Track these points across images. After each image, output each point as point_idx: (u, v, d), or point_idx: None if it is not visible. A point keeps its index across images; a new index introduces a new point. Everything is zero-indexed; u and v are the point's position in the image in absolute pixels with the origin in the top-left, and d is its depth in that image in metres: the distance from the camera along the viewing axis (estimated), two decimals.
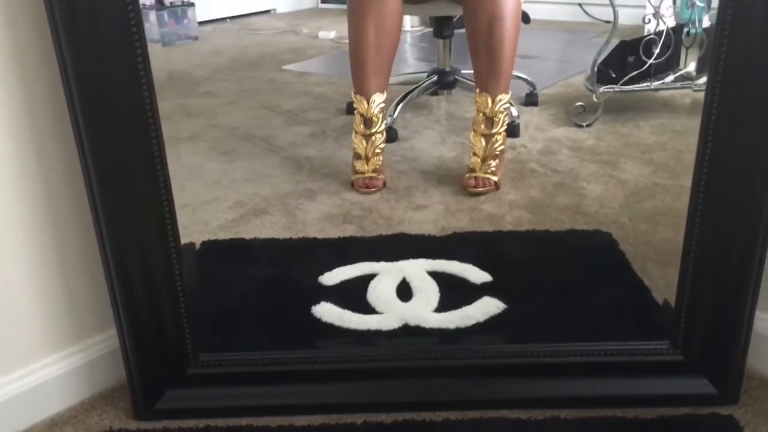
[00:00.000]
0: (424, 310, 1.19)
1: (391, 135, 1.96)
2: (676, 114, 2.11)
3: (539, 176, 1.72)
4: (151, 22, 3.09)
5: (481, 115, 1.66)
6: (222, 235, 1.47)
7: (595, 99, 2.03)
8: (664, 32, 1.96)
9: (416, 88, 2.15)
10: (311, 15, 4.07)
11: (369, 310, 1.19)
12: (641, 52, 1.98)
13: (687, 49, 2.02)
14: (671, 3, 2.10)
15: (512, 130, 1.93)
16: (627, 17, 2.21)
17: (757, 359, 1.03)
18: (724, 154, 0.88)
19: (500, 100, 1.65)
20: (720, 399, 0.98)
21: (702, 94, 0.88)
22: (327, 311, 1.18)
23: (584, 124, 2.02)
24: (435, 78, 2.20)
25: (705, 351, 0.98)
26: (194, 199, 1.62)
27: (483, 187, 1.64)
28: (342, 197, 1.64)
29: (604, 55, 2.02)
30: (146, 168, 0.87)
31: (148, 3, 3.15)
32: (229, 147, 1.96)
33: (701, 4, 1.96)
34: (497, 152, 1.67)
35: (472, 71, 1.78)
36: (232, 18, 3.73)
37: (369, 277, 1.28)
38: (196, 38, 3.31)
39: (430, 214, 1.56)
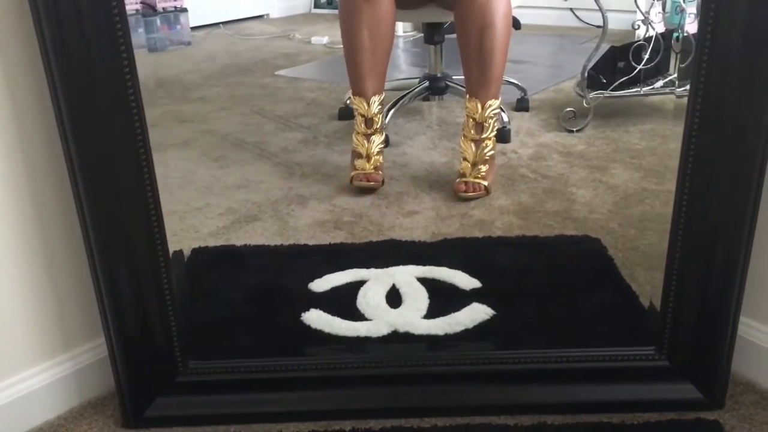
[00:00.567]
0: (413, 316, 1.19)
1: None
2: (666, 119, 2.12)
3: (529, 182, 1.73)
4: (138, 29, 3.09)
5: (471, 120, 1.67)
6: (213, 242, 1.48)
7: (585, 104, 2.04)
8: (654, 38, 1.97)
9: (408, 93, 2.15)
10: (304, 20, 4.08)
11: (358, 316, 1.20)
12: (631, 58, 1.99)
13: (677, 54, 2.03)
14: (660, 9, 2.12)
15: (503, 136, 1.94)
16: (617, 22, 2.23)
17: (743, 364, 1.03)
18: (707, 160, 0.89)
19: (490, 106, 1.66)
20: (706, 404, 0.99)
21: (685, 100, 0.89)
22: (317, 318, 1.19)
23: (575, 130, 2.03)
24: (426, 84, 2.21)
25: (690, 356, 0.99)
26: (185, 206, 1.63)
27: (473, 192, 1.65)
28: (333, 203, 1.65)
29: (594, 61, 2.04)
30: (134, 177, 0.87)
31: (138, 9, 3.15)
32: (221, 153, 1.96)
33: (691, 10, 1.97)
34: (487, 157, 1.68)
35: (463, 77, 1.79)
36: (225, 23, 3.74)
37: (359, 284, 1.29)
38: (188, 44, 3.31)
39: (421, 220, 1.56)
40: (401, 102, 2.10)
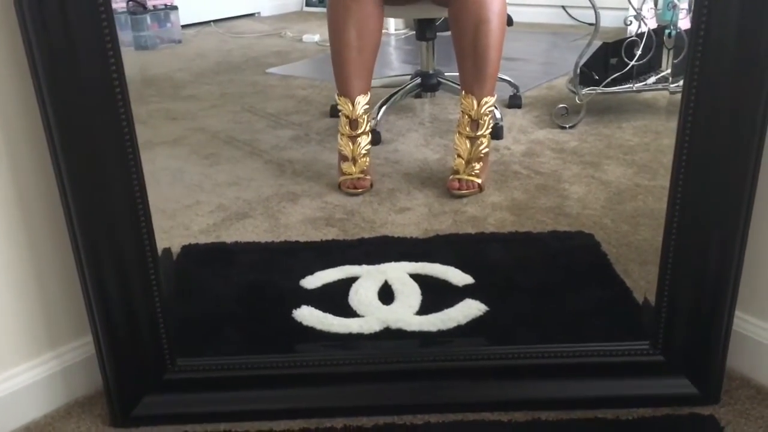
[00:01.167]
0: (405, 313, 1.18)
1: (375, 137, 1.95)
2: (658, 115, 2.11)
3: (522, 178, 1.72)
4: (127, 27, 3.07)
5: (467, 117, 1.66)
6: (203, 240, 1.46)
7: (577, 101, 2.04)
8: (646, 34, 1.96)
9: (400, 90, 2.14)
10: (295, 18, 4.06)
11: (350, 313, 1.19)
12: (623, 54, 1.99)
13: (669, 50, 2.03)
14: (653, 5, 2.11)
15: (496, 132, 1.92)
16: (609, 19, 2.23)
17: (738, 359, 1.03)
18: (701, 155, 0.88)
19: (486, 103, 1.65)
20: (701, 399, 0.98)
21: (679, 96, 0.88)
22: (308, 315, 1.17)
23: (567, 126, 2.03)
24: (418, 80, 2.20)
25: (685, 351, 0.98)
26: (175, 204, 1.61)
27: (467, 189, 1.64)
28: (325, 200, 1.63)
29: (586, 57, 2.03)
30: (121, 175, 0.86)
31: (125, 7, 3.12)
32: (212, 150, 1.95)
33: (683, 6, 1.97)
34: (482, 155, 1.67)
35: (455, 73, 1.77)
36: (216, 21, 3.71)
37: (351, 281, 1.27)
38: (179, 42, 3.29)
39: (413, 216, 1.55)
40: (393, 99, 2.09)
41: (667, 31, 2.04)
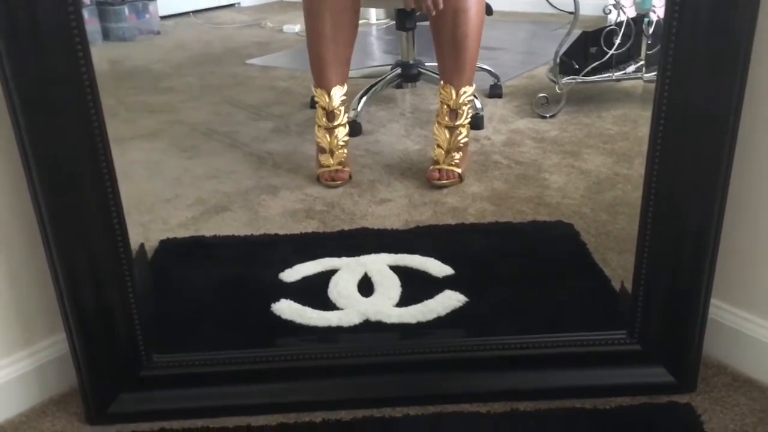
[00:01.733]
0: (385, 305, 1.18)
1: (355, 129, 1.95)
2: (638, 104, 2.12)
3: (502, 168, 1.72)
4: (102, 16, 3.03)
5: (446, 107, 1.66)
6: (182, 234, 1.45)
7: (558, 90, 2.04)
8: (625, 23, 1.96)
9: (380, 81, 2.13)
10: (276, 8, 4.03)
11: (330, 306, 1.18)
12: (602, 43, 1.99)
13: (646, 39, 2.03)
14: None
15: (476, 122, 1.92)
16: (589, 8, 2.22)
17: (714, 347, 1.03)
18: (675, 143, 0.88)
19: (464, 93, 1.65)
20: (678, 387, 0.99)
21: (653, 85, 0.88)
22: (287, 308, 1.17)
23: (548, 115, 2.03)
24: (399, 71, 2.19)
25: (662, 340, 0.98)
26: (153, 197, 1.59)
27: (447, 179, 1.63)
28: (305, 192, 1.62)
29: (566, 46, 2.03)
30: (91, 170, 0.84)
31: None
32: (191, 143, 1.93)
33: None
34: (461, 144, 1.66)
35: (436, 63, 1.77)
36: (195, 12, 3.68)
37: (330, 273, 1.27)
38: (158, 33, 3.26)
39: (393, 207, 1.55)
40: (373, 89, 2.08)
41: (646, 20, 2.04)
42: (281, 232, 1.44)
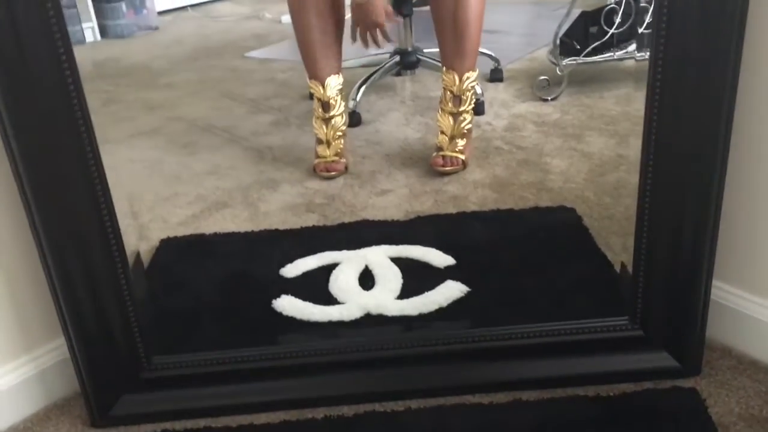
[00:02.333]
0: (386, 297, 1.17)
1: (355, 119, 1.94)
2: (640, 83, 2.09)
3: (504, 154, 1.71)
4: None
5: (449, 93, 1.64)
6: (182, 232, 1.44)
7: (558, 72, 2.01)
8: (624, 1, 1.93)
9: (378, 69, 2.12)
10: None
11: (331, 300, 1.18)
12: (603, 22, 1.96)
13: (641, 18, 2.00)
14: None
15: (477, 108, 1.89)
16: None
17: (718, 329, 1.02)
18: (671, 121, 0.86)
19: (467, 78, 1.63)
20: (682, 371, 0.98)
21: (645, 64, 0.87)
22: (288, 305, 1.16)
23: (549, 98, 2.00)
24: (397, 58, 2.18)
25: (664, 324, 0.97)
26: (153, 196, 1.59)
27: (451, 166, 1.62)
28: (305, 186, 1.62)
29: (565, 27, 2.00)
30: (81, 175, 0.84)
31: None
32: (190, 139, 1.92)
33: None
34: (465, 131, 1.65)
35: (434, 50, 1.75)
36: (192, 6, 3.66)
37: (331, 267, 1.26)
38: (156, 28, 3.25)
39: (394, 198, 1.54)
40: (372, 78, 2.07)
41: None
42: (282, 227, 1.44)
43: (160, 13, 3.33)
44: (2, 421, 0.97)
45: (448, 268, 1.24)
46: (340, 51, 1.67)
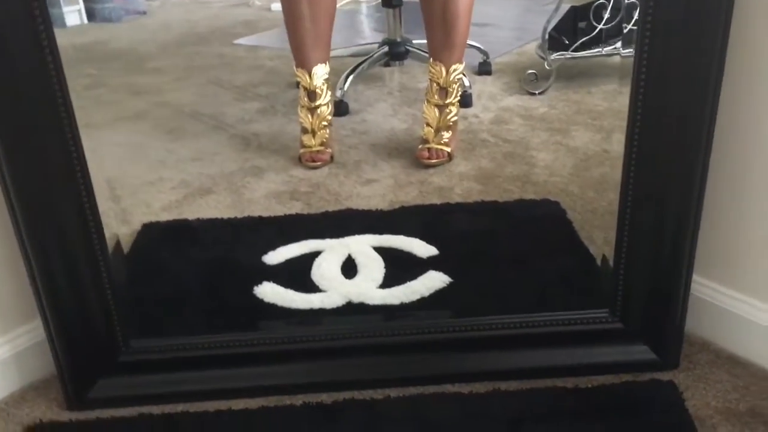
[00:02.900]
0: (368, 286, 1.17)
1: (342, 108, 1.93)
2: (628, 79, 2.09)
3: (490, 146, 1.70)
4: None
5: (435, 85, 1.64)
6: (165, 217, 1.43)
7: (546, 66, 2.01)
8: None
9: (367, 59, 2.11)
10: None
11: (313, 288, 1.17)
12: (592, 18, 1.96)
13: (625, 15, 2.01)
14: None
15: (464, 100, 1.90)
16: None
17: (697, 324, 1.03)
18: (655, 117, 0.87)
19: (455, 70, 1.62)
20: (661, 365, 0.99)
21: (631, 60, 0.87)
22: (270, 291, 1.16)
23: (537, 92, 2.01)
24: (386, 49, 2.17)
25: (644, 317, 0.98)
26: (137, 180, 1.58)
27: (436, 158, 1.62)
28: (290, 174, 1.61)
29: (554, 21, 2.00)
30: (60, 155, 0.83)
31: None
32: (175, 125, 1.91)
33: None
34: (451, 123, 1.65)
35: (423, 41, 1.74)
36: None
37: (314, 255, 1.26)
38: (144, 13, 3.22)
39: (379, 188, 1.53)
40: (360, 68, 2.06)
41: None
42: (265, 214, 1.43)
43: None
44: None
45: (431, 258, 1.24)
46: (329, 40, 1.66)
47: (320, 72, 1.63)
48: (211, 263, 1.26)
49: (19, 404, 0.97)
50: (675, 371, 0.99)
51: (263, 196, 1.51)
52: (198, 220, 1.41)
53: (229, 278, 1.21)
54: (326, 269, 1.21)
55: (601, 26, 1.97)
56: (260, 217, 1.42)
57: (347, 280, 1.19)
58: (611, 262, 0.99)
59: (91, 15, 3.05)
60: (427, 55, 1.77)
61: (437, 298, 1.14)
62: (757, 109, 0.90)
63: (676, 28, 0.81)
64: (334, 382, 0.97)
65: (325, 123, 1.65)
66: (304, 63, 1.63)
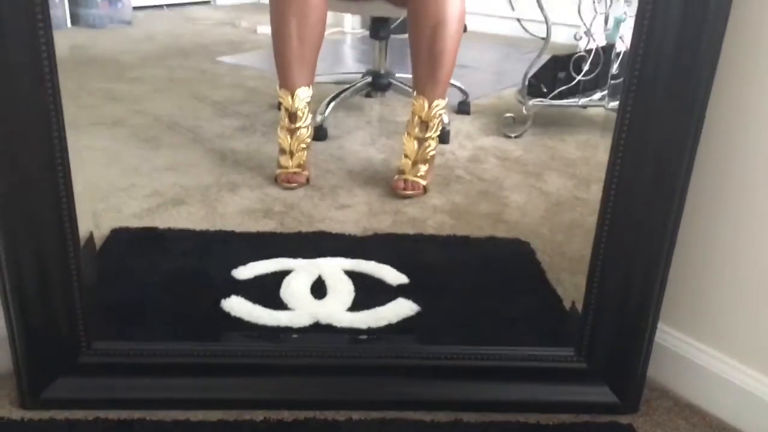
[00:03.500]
0: (337, 308, 1.17)
1: (321, 133, 1.94)
2: (601, 131, 2.16)
3: (465, 183, 1.73)
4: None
5: (417, 118, 1.66)
6: (135, 224, 1.42)
7: (524, 111, 2.06)
8: (594, 50, 2.00)
9: (349, 88, 2.13)
10: (252, 9, 4.01)
11: (281, 306, 1.17)
12: (571, 68, 2.02)
13: (612, 69, 2.07)
14: (603, 22, 2.15)
15: (442, 137, 1.92)
16: (562, 36, 2.26)
17: (659, 370, 1.05)
18: (631, 171, 0.89)
19: (437, 105, 1.65)
20: (621, 408, 1.00)
21: (614, 113, 0.90)
22: (237, 305, 1.15)
23: (513, 135, 2.05)
24: (369, 79, 2.19)
25: (608, 360, 0.99)
26: (109, 186, 1.56)
27: (412, 190, 1.63)
28: (264, 192, 1.61)
29: (535, 69, 2.06)
30: (44, 156, 0.82)
31: None
32: (153, 134, 1.90)
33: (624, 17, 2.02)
34: (428, 156, 1.67)
35: (406, 75, 1.77)
36: (169, 6, 3.64)
37: (284, 273, 1.25)
38: (129, 23, 3.21)
39: (353, 214, 1.54)
40: (342, 96, 2.08)
41: (614, 51, 2.08)
42: (237, 229, 1.42)
43: (136, 8, 3.31)
44: None
45: (400, 286, 1.25)
46: (315, 64, 1.68)
47: (303, 94, 1.64)
48: (179, 273, 1.24)
49: None
50: (634, 415, 1.00)
51: (237, 211, 1.51)
52: (169, 229, 1.40)
53: (197, 289, 1.20)
54: (296, 288, 1.21)
55: (579, 77, 2.02)
56: (232, 232, 1.41)
57: (316, 300, 1.19)
58: (579, 304, 1.01)
59: (75, 19, 3.03)
60: (408, 88, 1.81)
61: (405, 325, 1.14)
62: (729, 167, 0.94)
63: (659, 88, 0.84)
64: (296, 400, 0.96)
65: (303, 145, 1.66)
66: (287, 84, 1.64)
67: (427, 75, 1.65)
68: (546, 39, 2.01)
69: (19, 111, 0.80)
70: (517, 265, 1.37)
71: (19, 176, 0.83)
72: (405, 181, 1.64)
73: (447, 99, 1.68)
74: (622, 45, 2.01)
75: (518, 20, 3.60)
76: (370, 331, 1.12)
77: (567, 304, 1.20)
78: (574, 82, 2.03)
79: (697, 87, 0.84)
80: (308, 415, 0.95)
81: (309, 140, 1.68)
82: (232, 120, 2.06)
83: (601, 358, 0.99)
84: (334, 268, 1.28)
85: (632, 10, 1.85)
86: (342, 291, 1.21)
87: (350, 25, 3.49)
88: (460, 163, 1.85)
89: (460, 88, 2.29)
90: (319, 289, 1.22)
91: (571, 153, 1.95)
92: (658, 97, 0.85)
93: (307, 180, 1.65)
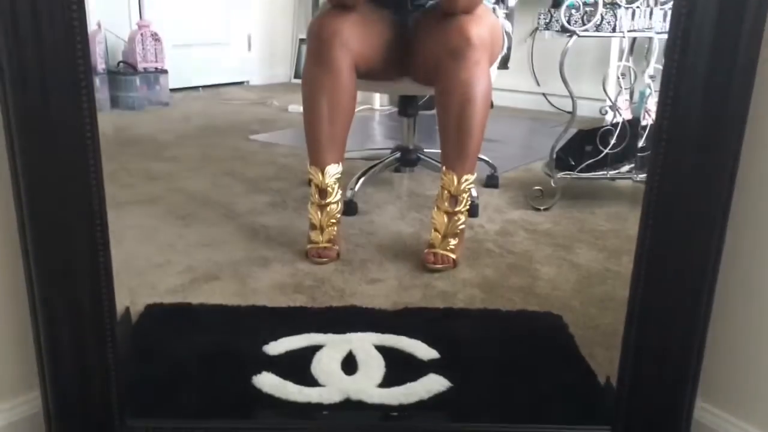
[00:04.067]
0: (367, 384, 1.16)
1: (351, 208, 1.97)
2: (630, 203, 2.16)
3: (494, 256, 1.73)
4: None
5: (446, 192, 1.68)
6: (169, 299, 1.44)
7: (552, 184, 2.07)
8: (620, 124, 2.02)
9: (379, 163, 2.17)
10: (283, 89, 4.15)
11: (312, 382, 1.16)
12: (598, 142, 2.04)
13: (640, 141, 2.09)
14: (628, 97, 2.19)
15: (471, 210, 1.93)
16: (587, 109, 2.30)
17: None
18: (662, 244, 0.89)
19: (466, 180, 1.67)
20: None
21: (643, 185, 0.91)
22: (268, 382, 1.15)
23: (541, 208, 2.06)
24: (398, 155, 2.24)
25: None
26: (145, 262, 1.59)
27: (442, 263, 1.64)
28: (295, 267, 1.63)
29: (562, 143, 2.08)
30: (85, 234, 0.85)
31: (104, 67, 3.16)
32: (187, 211, 1.94)
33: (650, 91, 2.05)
34: (458, 230, 1.68)
35: (434, 150, 1.80)
36: (204, 87, 3.78)
37: (315, 348, 1.25)
38: (167, 104, 3.34)
39: (383, 288, 1.55)
40: (372, 171, 2.12)
41: (642, 123, 2.10)
42: (269, 304, 1.44)
43: (173, 90, 3.44)
44: None
45: (431, 361, 1.24)
46: (345, 142, 1.72)
47: (333, 171, 1.68)
48: (211, 349, 1.25)
49: None
50: None
51: (268, 286, 1.52)
52: (202, 305, 1.42)
53: (229, 365, 1.20)
54: (326, 364, 1.20)
55: (606, 151, 2.04)
56: (264, 307, 1.42)
57: (347, 377, 1.18)
58: (613, 380, 0.99)
59: (114, 102, 3.17)
60: (436, 163, 1.84)
61: (436, 401, 1.13)
62: (764, 235, 0.93)
63: (686, 160, 0.85)
64: None
65: (333, 221, 1.68)
66: (318, 161, 1.68)
67: (456, 151, 1.68)
68: (572, 113, 2.04)
69: (67, 196, 0.83)
70: (549, 339, 1.36)
71: (60, 250, 0.85)
72: (435, 254, 1.65)
73: (476, 174, 1.71)
74: (648, 118, 2.03)
75: (544, 95, 3.68)
76: (401, 408, 1.11)
77: (601, 379, 1.18)
78: (601, 155, 2.04)
79: (725, 156, 0.85)
80: None
81: (339, 215, 1.70)
82: (263, 196, 2.11)
83: None
84: (364, 343, 1.28)
85: (656, 85, 1.88)
86: (372, 366, 1.21)
87: (379, 102, 3.58)
88: (489, 237, 1.85)
89: (488, 162, 2.32)
90: (349, 364, 1.22)
91: (600, 225, 1.95)
92: (685, 171, 0.86)
93: (338, 255, 1.67)
